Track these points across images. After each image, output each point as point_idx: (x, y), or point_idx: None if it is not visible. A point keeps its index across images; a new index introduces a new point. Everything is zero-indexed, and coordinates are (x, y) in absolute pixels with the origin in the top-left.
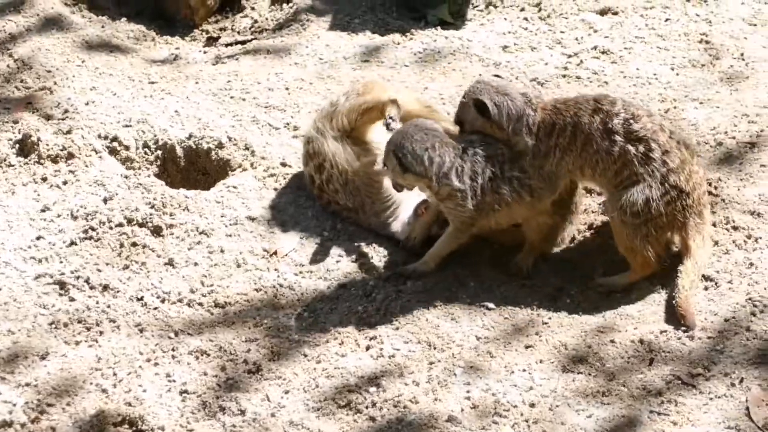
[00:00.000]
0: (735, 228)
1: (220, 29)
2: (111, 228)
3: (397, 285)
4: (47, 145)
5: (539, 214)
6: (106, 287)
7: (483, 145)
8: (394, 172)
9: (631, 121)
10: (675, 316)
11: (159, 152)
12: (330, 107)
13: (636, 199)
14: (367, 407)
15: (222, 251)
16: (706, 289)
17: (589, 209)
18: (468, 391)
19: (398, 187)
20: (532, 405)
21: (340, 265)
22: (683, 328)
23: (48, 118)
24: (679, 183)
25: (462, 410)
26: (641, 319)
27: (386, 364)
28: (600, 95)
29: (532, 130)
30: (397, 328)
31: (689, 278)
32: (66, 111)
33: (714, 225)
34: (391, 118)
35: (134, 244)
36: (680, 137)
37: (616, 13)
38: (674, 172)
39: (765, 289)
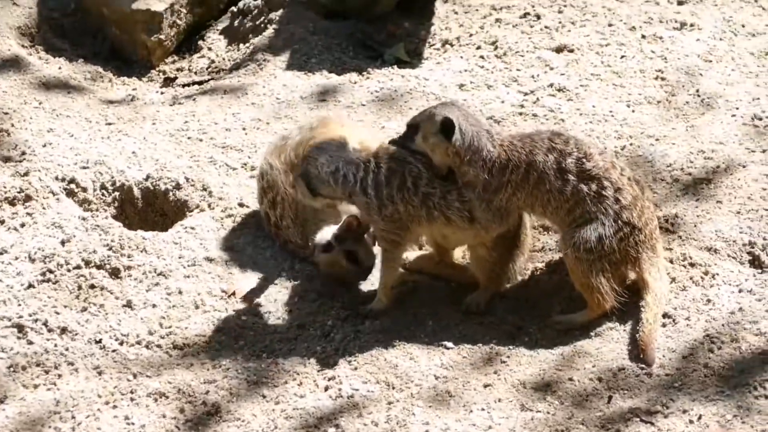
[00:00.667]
0: (692, 264)
1: (177, 70)
2: (69, 270)
3: (355, 325)
4: (4, 187)
5: (480, 245)
6: (64, 330)
7: (392, 160)
8: (305, 196)
9: (584, 160)
10: (634, 353)
11: (116, 194)
12: (281, 141)
13: (589, 236)
14: None
15: (180, 292)
16: (664, 326)
17: (546, 247)
18: (427, 431)
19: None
20: None
21: (298, 306)
22: (641, 366)
23: (5, 160)
24: (631, 219)
25: None
26: (599, 356)
27: (345, 404)
28: (554, 133)
29: (487, 165)
30: (356, 368)
31: (652, 312)
32: (23, 153)
33: (671, 262)
34: None
35: (92, 286)
36: (631, 173)
37: (571, 51)
38: (627, 208)
39: (722, 325)
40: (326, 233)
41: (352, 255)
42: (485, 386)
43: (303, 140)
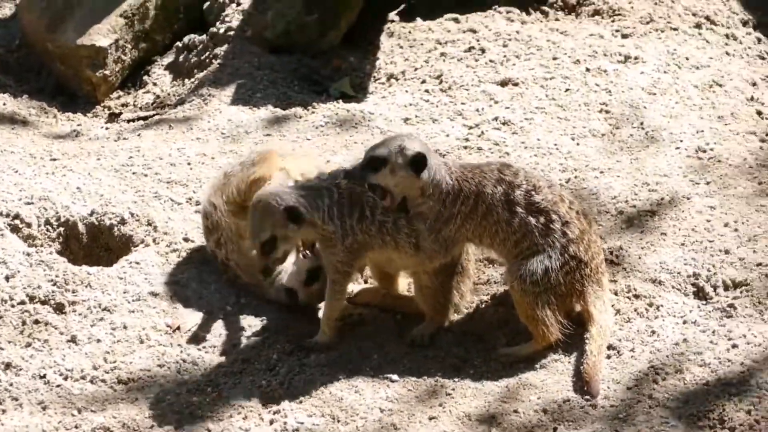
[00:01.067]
0: (637, 296)
1: (122, 105)
2: (13, 306)
3: (300, 358)
4: None
5: (423, 273)
6: (8, 365)
7: (350, 189)
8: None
9: (533, 192)
10: (578, 384)
11: (61, 229)
12: (223, 178)
13: (535, 268)
14: None
15: (125, 327)
16: (609, 357)
17: (492, 280)
18: None
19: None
20: None
21: (243, 340)
22: (586, 397)
23: None
24: (578, 253)
25: None
26: (544, 388)
27: None
28: (503, 165)
29: (442, 196)
30: (301, 402)
31: (597, 343)
32: None
33: (616, 293)
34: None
35: (36, 322)
36: (579, 207)
37: (516, 84)
38: (574, 242)
39: (667, 356)
40: (292, 272)
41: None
42: (430, 419)
43: (245, 177)
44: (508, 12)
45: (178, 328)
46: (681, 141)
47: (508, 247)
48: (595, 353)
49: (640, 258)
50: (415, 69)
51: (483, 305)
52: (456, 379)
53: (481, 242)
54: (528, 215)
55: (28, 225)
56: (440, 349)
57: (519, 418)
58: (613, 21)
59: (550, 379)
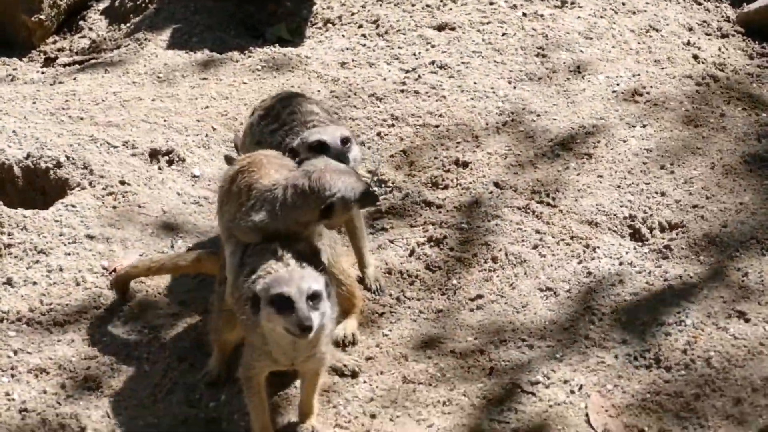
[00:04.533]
0: (573, 238)
1: (58, 50)
2: None
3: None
4: None
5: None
6: None
7: None
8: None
9: None
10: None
11: None
12: None
13: None
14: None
15: (61, 270)
16: (546, 298)
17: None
18: None
19: None
20: (373, 416)
21: (181, 281)
22: (523, 338)
23: None
24: None
25: None
26: (481, 329)
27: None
28: None
29: None
30: None
31: None
32: None
33: (553, 236)
34: None
35: None
36: None
37: (453, 29)
38: None
39: (603, 297)
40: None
41: None
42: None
43: None
44: None
45: (115, 270)
46: (618, 84)
47: None
48: None
49: (576, 200)
50: (352, 14)
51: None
52: None
53: None
54: None
55: None
56: None
57: (456, 360)
58: None
59: (487, 320)
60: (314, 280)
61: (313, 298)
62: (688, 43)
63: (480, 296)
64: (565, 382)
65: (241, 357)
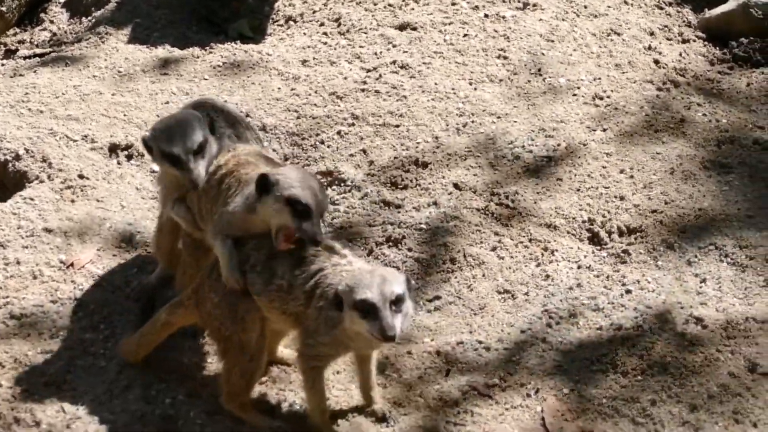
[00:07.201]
0: (531, 241)
1: (19, 42)
2: None
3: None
4: None
5: None
6: None
7: None
8: None
9: None
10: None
11: None
12: None
13: None
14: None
15: (18, 263)
16: (503, 300)
17: (387, 221)
18: None
19: None
20: (333, 417)
21: (137, 277)
22: (480, 340)
23: None
24: None
25: None
26: (438, 330)
27: None
28: None
29: None
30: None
31: None
32: None
33: (511, 238)
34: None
35: None
36: None
37: (414, 29)
38: None
39: (561, 300)
40: None
41: None
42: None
43: None
44: None
45: (72, 264)
46: (578, 88)
47: None
48: None
49: (535, 203)
50: (314, 12)
51: None
52: None
53: None
54: None
55: None
56: None
57: (413, 360)
58: None
59: (444, 322)
60: (396, 283)
61: (396, 302)
62: (649, 47)
63: (438, 297)
64: (522, 385)
65: (300, 347)
